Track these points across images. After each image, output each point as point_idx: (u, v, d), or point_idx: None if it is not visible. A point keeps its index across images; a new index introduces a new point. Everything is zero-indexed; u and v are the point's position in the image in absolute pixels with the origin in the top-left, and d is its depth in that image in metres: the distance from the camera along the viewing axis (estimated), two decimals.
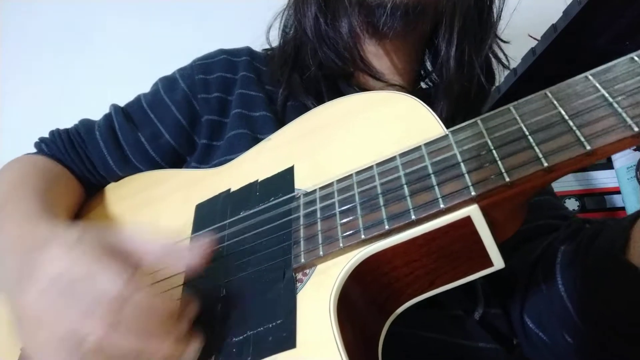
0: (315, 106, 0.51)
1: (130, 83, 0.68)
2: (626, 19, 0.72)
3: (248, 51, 0.66)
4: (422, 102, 0.40)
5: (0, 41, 1.08)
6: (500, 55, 0.64)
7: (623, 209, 0.91)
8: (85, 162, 0.59)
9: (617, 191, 0.92)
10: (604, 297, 0.40)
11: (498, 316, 0.51)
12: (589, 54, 0.79)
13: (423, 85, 0.71)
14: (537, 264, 0.50)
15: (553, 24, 0.75)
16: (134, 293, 0.32)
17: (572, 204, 0.92)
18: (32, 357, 0.34)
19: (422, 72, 0.70)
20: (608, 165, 0.93)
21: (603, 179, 0.94)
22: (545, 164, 0.30)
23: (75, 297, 0.32)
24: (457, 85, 0.57)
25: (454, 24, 0.56)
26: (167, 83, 0.62)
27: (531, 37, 0.82)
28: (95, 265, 0.33)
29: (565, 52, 0.77)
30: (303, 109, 0.56)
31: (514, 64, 0.85)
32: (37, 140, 0.62)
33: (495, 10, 0.61)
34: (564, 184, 0.94)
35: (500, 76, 0.72)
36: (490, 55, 0.62)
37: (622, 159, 0.92)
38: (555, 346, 0.46)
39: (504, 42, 0.64)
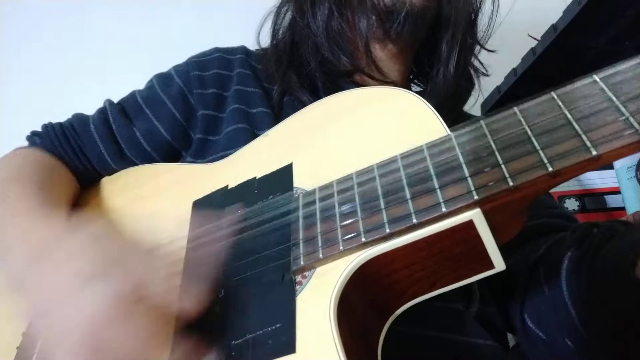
0: (312, 101, 0.51)
1: (124, 80, 0.67)
2: (626, 19, 0.72)
3: (243, 50, 0.66)
4: (424, 100, 0.40)
5: None
6: (477, 64, 0.68)
7: (623, 209, 0.91)
8: (79, 155, 0.59)
9: (617, 191, 0.92)
10: (609, 309, 0.40)
11: (493, 313, 0.51)
12: (589, 54, 0.79)
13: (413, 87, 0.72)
14: (539, 265, 0.49)
15: (553, 24, 0.75)
16: (117, 318, 0.32)
17: (572, 204, 0.92)
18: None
19: (411, 76, 0.71)
20: (608, 165, 0.93)
21: (603, 179, 0.93)
22: (550, 169, 0.29)
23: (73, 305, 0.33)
24: (453, 86, 0.60)
25: (458, 31, 0.60)
26: (163, 79, 0.62)
27: (531, 37, 0.82)
28: (96, 276, 0.33)
29: (565, 52, 0.77)
30: (299, 104, 0.56)
31: (514, 64, 0.85)
32: (29, 134, 0.61)
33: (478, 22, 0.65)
34: (563, 184, 0.93)
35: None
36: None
37: (622, 159, 0.91)
38: (555, 347, 0.46)
39: (491, 51, 0.67)
